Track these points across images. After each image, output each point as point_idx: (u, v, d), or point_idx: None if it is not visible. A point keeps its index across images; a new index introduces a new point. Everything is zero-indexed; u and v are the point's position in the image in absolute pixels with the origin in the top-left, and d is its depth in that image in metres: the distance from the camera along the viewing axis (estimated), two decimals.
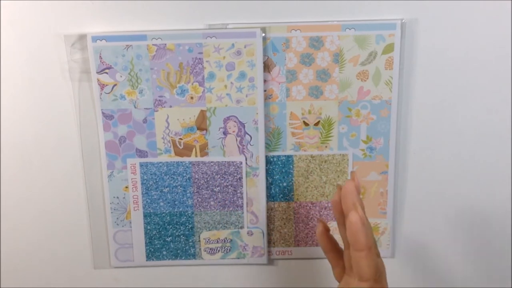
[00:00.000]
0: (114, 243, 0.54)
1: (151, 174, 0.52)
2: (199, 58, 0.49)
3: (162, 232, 0.54)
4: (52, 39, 0.49)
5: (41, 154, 0.53)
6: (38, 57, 0.50)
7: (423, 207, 0.54)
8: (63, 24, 0.49)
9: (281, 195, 0.53)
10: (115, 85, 0.50)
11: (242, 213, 0.53)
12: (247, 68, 0.49)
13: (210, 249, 0.54)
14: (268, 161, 0.52)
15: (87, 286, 0.57)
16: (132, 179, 0.52)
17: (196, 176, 0.52)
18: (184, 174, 0.52)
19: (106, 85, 0.49)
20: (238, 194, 0.52)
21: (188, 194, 0.53)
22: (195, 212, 0.53)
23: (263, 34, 0.48)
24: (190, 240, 0.54)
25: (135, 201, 0.53)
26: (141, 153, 0.51)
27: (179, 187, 0.52)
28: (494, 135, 0.51)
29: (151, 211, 0.53)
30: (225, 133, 0.51)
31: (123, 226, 0.54)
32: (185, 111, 0.50)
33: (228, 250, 0.54)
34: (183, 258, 0.55)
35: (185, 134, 0.51)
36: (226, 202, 0.53)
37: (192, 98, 0.50)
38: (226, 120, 0.50)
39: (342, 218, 0.36)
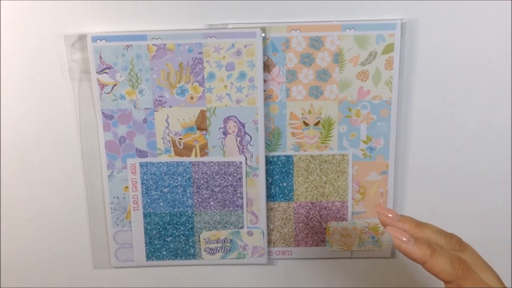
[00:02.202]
0: (114, 243, 0.54)
1: (151, 174, 0.52)
2: (199, 58, 0.49)
3: (162, 232, 0.54)
4: (52, 39, 0.49)
5: (41, 154, 0.53)
6: (38, 57, 0.50)
7: (423, 207, 0.54)
8: (63, 24, 0.49)
9: (281, 195, 0.53)
10: (115, 85, 0.50)
11: (242, 213, 0.53)
12: (247, 68, 0.49)
13: (210, 249, 0.54)
14: (268, 161, 0.52)
15: (87, 286, 0.57)
16: (132, 179, 0.52)
17: (196, 176, 0.52)
18: (184, 174, 0.52)
19: (106, 85, 0.49)
20: (238, 194, 0.52)
21: (188, 194, 0.53)
22: (195, 212, 0.53)
23: (263, 34, 0.48)
24: (190, 240, 0.54)
25: (135, 201, 0.53)
26: (141, 153, 0.51)
27: (179, 187, 0.52)
28: (494, 135, 0.51)
29: (151, 211, 0.53)
30: (225, 133, 0.51)
31: (123, 226, 0.54)
32: (185, 111, 0.50)
33: (228, 250, 0.54)
34: (183, 258, 0.55)
35: (185, 134, 0.51)
36: (226, 202, 0.53)
37: (192, 98, 0.50)
38: (226, 120, 0.50)
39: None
